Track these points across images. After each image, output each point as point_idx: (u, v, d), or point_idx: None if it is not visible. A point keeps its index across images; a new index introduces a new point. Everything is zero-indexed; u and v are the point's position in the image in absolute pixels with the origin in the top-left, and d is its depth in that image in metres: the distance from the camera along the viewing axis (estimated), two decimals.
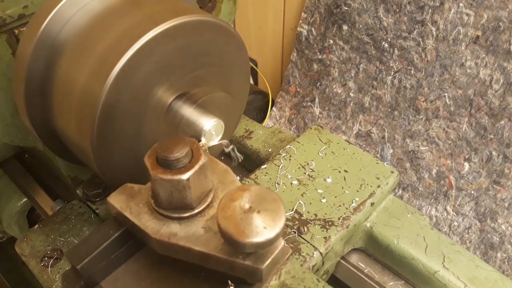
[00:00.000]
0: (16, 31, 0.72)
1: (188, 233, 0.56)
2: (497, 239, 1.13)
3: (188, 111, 0.70)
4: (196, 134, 0.70)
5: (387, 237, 0.85)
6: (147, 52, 0.62)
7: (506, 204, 1.12)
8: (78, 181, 0.91)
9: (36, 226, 0.87)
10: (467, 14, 1.09)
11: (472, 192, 1.16)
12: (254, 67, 1.63)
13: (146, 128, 0.70)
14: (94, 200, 0.90)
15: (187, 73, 0.71)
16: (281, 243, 0.55)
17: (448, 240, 0.85)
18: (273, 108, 1.48)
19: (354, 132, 1.32)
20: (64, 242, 0.83)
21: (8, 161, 1.12)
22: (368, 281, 0.87)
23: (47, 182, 1.08)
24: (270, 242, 0.49)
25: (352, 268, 0.88)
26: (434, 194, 1.21)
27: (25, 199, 1.11)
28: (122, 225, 0.59)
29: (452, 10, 1.10)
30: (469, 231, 1.17)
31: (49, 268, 0.79)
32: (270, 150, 1.01)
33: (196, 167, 0.54)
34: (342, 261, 0.88)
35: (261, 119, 1.48)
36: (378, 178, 0.89)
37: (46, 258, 0.81)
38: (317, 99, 1.39)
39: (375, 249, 0.88)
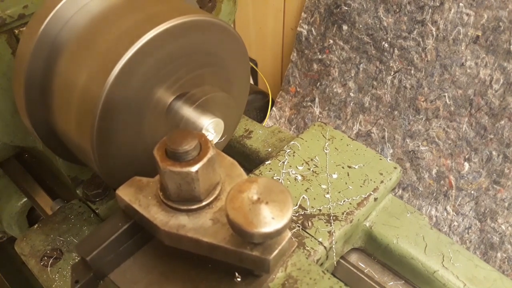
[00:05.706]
0: (16, 31, 0.72)
1: (197, 225, 0.56)
2: (497, 239, 1.13)
3: (188, 111, 0.70)
4: None
5: (386, 237, 0.85)
6: (147, 52, 0.63)
7: (506, 204, 1.12)
8: (78, 181, 0.91)
9: (35, 226, 0.87)
10: (467, 14, 1.09)
11: (472, 192, 1.16)
12: (254, 67, 1.63)
13: (146, 128, 0.70)
14: (94, 200, 0.90)
15: (187, 73, 0.71)
16: (288, 234, 0.56)
17: (447, 240, 0.85)
18: (273, 108, 1.49)
19: (354, 132, 1.32)
20: (63, 241, 0.84)
21: (8, 161, 1.12)
22: (368, 281, 0.87)
23: (47, 182, 1.08)
24: (278, 233, 0.50)
25: (352, 268, 0.89)
26: (434, 194, 1.21)
27: (25, 199, 1.11)
28: (130, 218, 0.60)
29: (452, 10, 1.10)
30: (469, 231, 1.17)
31: (48, 268, 0.80)
32: (269, 149, 1.02)
33: (205, 159, 0.54)
34: (341, 260, 0.88)
35: (261, 119, 1.48)
36: (381, 174, 0.89)
37: (45, 258, 0.81)
38: (317, 99, 1.39)
39: (375, 248, 0.88)
